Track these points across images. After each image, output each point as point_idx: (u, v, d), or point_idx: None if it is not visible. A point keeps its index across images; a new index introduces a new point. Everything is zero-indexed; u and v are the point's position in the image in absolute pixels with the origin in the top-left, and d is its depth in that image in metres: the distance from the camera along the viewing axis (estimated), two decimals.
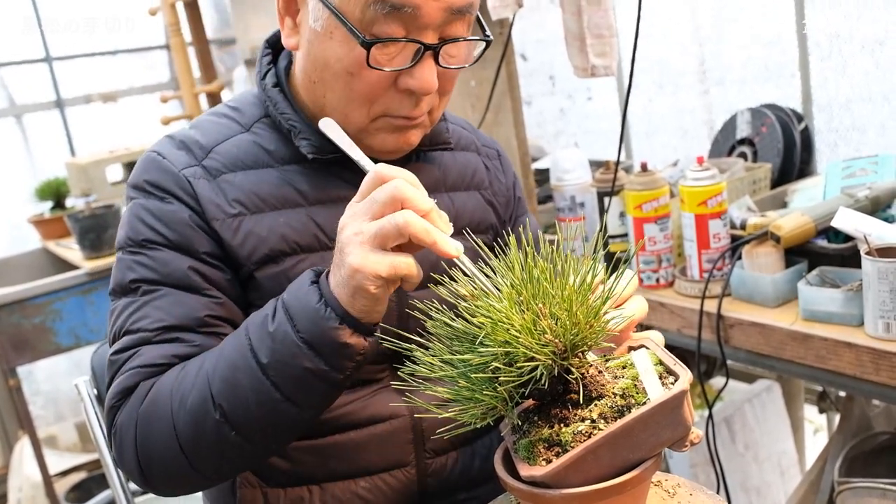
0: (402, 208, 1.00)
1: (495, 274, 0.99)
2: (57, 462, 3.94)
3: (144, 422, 1.16)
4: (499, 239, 1.45)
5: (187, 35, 3.96)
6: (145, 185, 1.28)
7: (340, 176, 1.31)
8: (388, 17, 1.14)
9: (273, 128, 1.33)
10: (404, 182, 1.02)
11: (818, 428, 3.49)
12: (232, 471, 1.23)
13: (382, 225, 1.00)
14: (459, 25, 1.20)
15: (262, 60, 1.37)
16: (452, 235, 1.38)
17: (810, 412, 3.22)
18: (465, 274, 1.01)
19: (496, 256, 1.01)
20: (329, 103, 1.25)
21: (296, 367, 1.07)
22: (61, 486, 3.76)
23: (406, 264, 1.02)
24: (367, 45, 1.15)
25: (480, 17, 1.27)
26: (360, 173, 1.30)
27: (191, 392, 1.13)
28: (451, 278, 1.00)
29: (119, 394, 1.19)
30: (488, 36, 1.26)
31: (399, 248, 1.02)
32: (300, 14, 1.25)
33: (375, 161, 1.30)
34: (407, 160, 1.37)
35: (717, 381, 2.91)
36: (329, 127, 1.19)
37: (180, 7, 3.87)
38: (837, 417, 2.57)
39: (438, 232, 1.01)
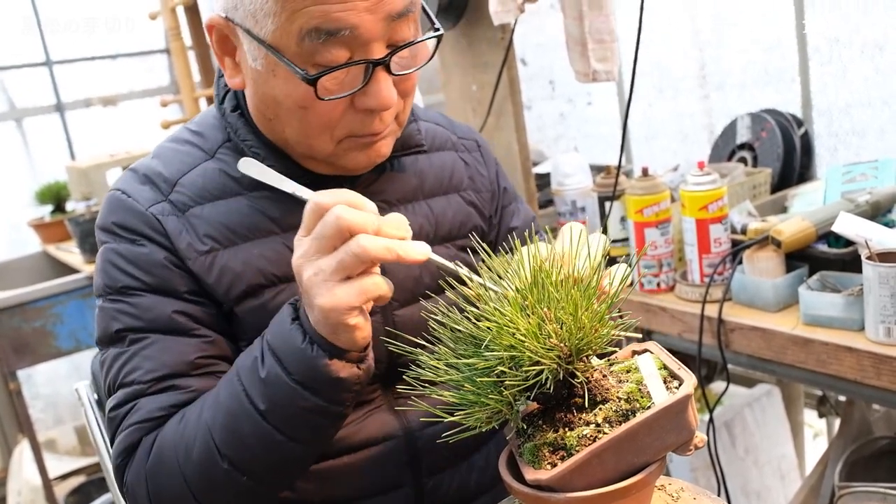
0: (352, 234, 0.97)
1: (492, 274, 0.98)
2: (56, 466, 3.94)
3: (154, 478, 1.14)
4: (479, 238, 1.42)
5: (187, 39, 3.96)
6: (114, 228, 1.24)
7: None
8: (326, 44, 1.07)
9: (237, 152, 1.26)
10: (344, 207, 0.98)
11: (818, 432, 3.49)
12: None
13: (340, 258, 0.97)
14: (405, 28, 1.12)
15: (220, 82, 1.30)
16: (433, 245, 1.35)
17: (810, 416, 3.22)
18: (451, 274, 1.00)
19: (485, 257, 0.99)
20: (290, 137, 1.20)
21: (294, 408, 1.06)
22: (61, 490, 3.76)
23: (374, 285, 0.99)
24: (311, 81, 1.09)
25: (426, 8, 1.20)
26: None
27: (194, 443, 1.11)
28: (436, 292, 0.99)
29: (123, 452, 1.17)
30: (438, 29, 1.17)
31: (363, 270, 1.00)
32: (238, 53, 1.18)
33: (348, 178, 1.27)
34: (381, 170, 1.32)
35: (718, 386, 2.91)
36: (249, 166, 1.13)
37: (180, 11, 3.87)
38: (837, 422, 2.57)
39: (398, 243, 0.98)
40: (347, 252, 0.96)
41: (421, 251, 1.00)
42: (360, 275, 0.99)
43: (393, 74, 1.14)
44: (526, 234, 1.05)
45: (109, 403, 1.20)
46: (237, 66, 1.20)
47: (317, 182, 1.25)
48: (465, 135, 1.51)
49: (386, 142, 1.22)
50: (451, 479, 1.35)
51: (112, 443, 1.20)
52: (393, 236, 0.99)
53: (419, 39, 1.15)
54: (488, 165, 1.49)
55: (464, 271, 0.98)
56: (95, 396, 1.67)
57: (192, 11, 3.88)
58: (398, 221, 1.01)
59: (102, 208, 1.27)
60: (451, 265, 1.01)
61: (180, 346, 1.19)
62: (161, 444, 1.14)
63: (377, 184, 1.32)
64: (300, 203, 1.25)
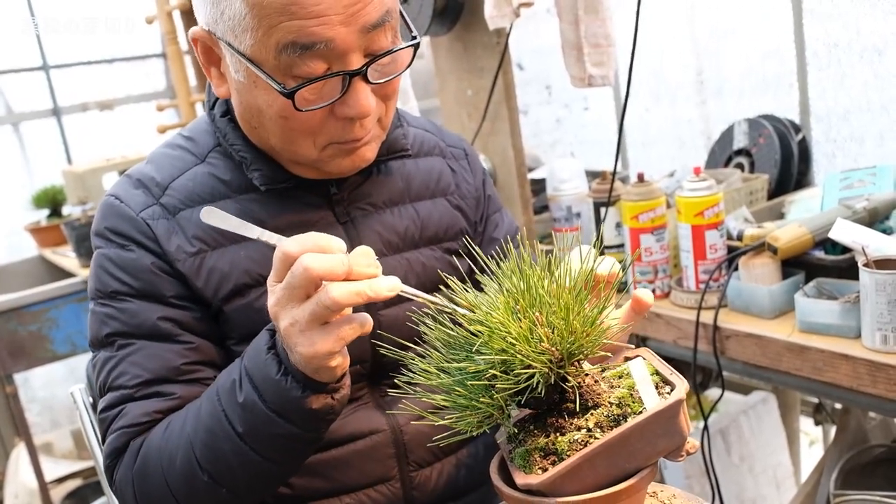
0: (323, 280, 0.96)
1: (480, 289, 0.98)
2: (53, 469, 3.93)
3: (140, 480, 1.18)
4: (471, 242, 1.42)
5: (184, 44, 3.96)
6: (106, 233, 1.27)
7: (299, 199, 1.29)
8: (303, 57, 1.09)
9: (227, 156, 1.31)
10: (311, 256, 0.95)
11: (814, 440, 3.48)
12: None
13: (313, 310, 0.96)
14: (382, 37, 1.14)
15: (210, 89, 1.33)
16: (419, 247, 1.37)
17: (806, 424, 3.22)
18: (424, 302, 1.00)
19: (470, 262, 1.00)
20: (275, 145, 1.23)
21: (270, 434, 1.09)
22: (57, 493, 3.75)
23: (352, 329, 0.99)
24: (289, 95, 1.11)
25: (405, 15, 1.21)
26: (317, 194, 1.31)
27: (177, 453, 1.15)
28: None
29: (112, 454, 1.22)
30: (415, 37, 1.19)
31: None
32: (222, 63, 1.21)
33: (335, 181, 1.31)
34: (368, 174, 1.35)
35: (713, 393, 2.90)
36: (211, 216, 1.08)
37: (177, 16, 3.86)
38: (833, 429, 2.57)
39: (367, 285, 0.96)
40: (318, 304, 0.96)
41: (391, 286, 0.98)
42: (337, 319, 0.99)
43: (371, 83, 1.16)
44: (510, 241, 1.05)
45: (100, 405, 1.25)
46: (222, 76, 1.23)
47: (304, 186, 1.29)
48: (454, 143, 1.53)
49: (370, 147, 1.25)
50: (438, 474, 1.38)
51: (103, 443, 1.25)
52: (363, 274, 0.97)
53: (395, 49, 1.16)
54: (475, 173, 1.52)
55: (437, 300, 0.99)
56: (91, 400, 1.67)
57: (189, 16, 3.87)
58: (366, 255, 0.99)
59: (97, 214, 1.31)
60: (423, 294, 1.01)
61: (165, 353, 1.23)
62: (147, 451, 1.18)
63: (363, 187, 1.35)
64: (287, 205, 1.29)
